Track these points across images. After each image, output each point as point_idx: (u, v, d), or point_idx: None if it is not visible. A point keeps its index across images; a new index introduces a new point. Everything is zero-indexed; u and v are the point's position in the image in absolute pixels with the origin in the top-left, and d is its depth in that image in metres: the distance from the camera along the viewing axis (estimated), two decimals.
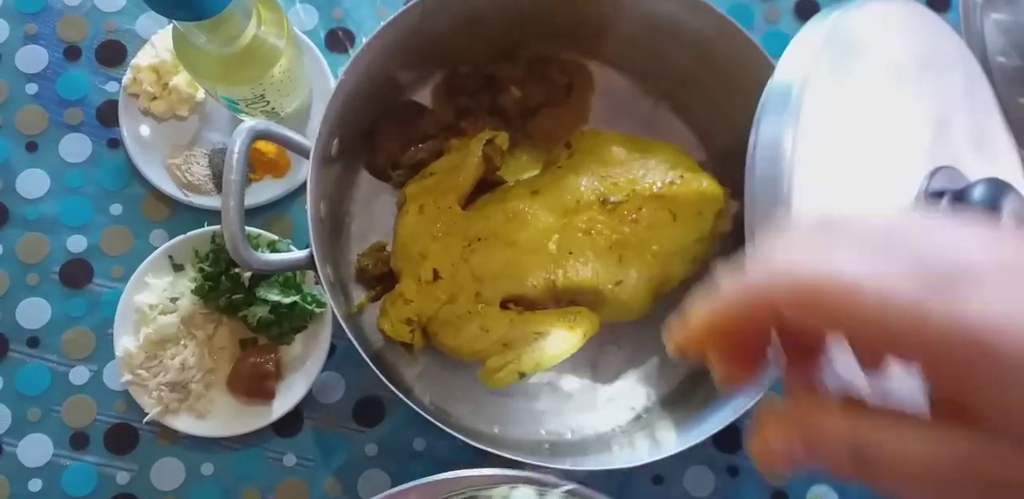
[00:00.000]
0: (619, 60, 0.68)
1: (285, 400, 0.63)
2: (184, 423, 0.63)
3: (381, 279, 0.64)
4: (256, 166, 0.66)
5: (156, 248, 0.65)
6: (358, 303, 0.64)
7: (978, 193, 0.48)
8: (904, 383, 0.25)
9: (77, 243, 0.67)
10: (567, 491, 0.47)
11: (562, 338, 0.56)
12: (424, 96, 0.67)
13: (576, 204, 0.57)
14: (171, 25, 0.55)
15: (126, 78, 0.68)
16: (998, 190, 0.47)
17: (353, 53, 0.70)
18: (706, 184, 0.59)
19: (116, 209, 0.68)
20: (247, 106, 0.62)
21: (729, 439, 0.67)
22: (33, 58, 0.70)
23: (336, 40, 0.71)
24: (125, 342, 0.64)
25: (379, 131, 0.65)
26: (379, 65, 0.59)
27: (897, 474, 0.24)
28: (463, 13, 0.60)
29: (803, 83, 0.46)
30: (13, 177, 0.68)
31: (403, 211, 0.61)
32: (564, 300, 0.58)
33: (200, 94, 0.68)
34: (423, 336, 0.59)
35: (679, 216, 0.58)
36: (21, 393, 0.65)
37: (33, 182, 0.68)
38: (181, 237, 0.65)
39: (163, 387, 0.63)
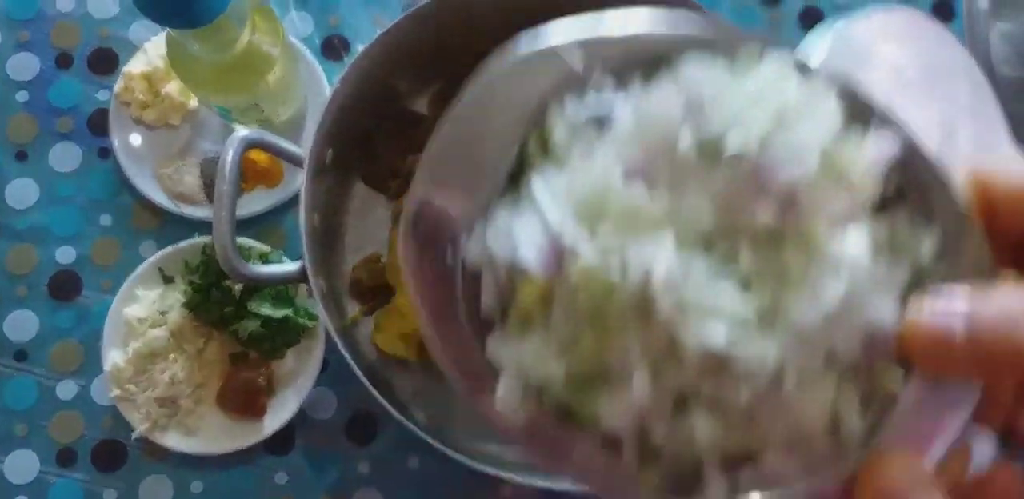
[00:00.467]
0: None
1: (276, 416, 0.62)
2: (173, 440, 0.62)
3: (375, 292, 0.63)
4: (248, 176, 0.65)
5: (146, 259, 0.64)
6: (352, 316, 0.63)
7: None
8: None
9: (66, 254, 0.66)
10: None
11: None
12: (421, 105, 0.66)
13: None
14: (164, 32, 0.55)
15: (118, 86, 0.67)
16: None
17: (349, 61, 0.69)
18: None
19: (106, 219, 0.67)
20: (240, 114, 0.61)
21: None
22: (25, 66, 0.69)
23: (332, 48, 0.70)
24: (114, 356, 0.63)
25: (375, 140, 0.64)
26: (375, 73, 0.57)
27: None
28: (462, 21, 0.59)
29: None
30: (2, 186, 0.67)
31: (399, 223, 0.60)
32: None
33: (193, 102, 0.67)
34: (418, 351, 0.58)
35: None
36: (8, 408, 0.64)
37: (22, 192, 0.67)
38: (171, 248, 0.64)
39: (152, 402, 0.61)
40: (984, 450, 0.25)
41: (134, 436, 0.62)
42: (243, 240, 0.63)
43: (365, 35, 0.71)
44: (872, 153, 0.27)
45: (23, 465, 0.63)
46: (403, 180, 0.63)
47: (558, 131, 0.26)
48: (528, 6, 0.60)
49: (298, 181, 0.65)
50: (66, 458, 0.63)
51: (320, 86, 0.67)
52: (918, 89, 0.51)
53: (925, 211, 0.27)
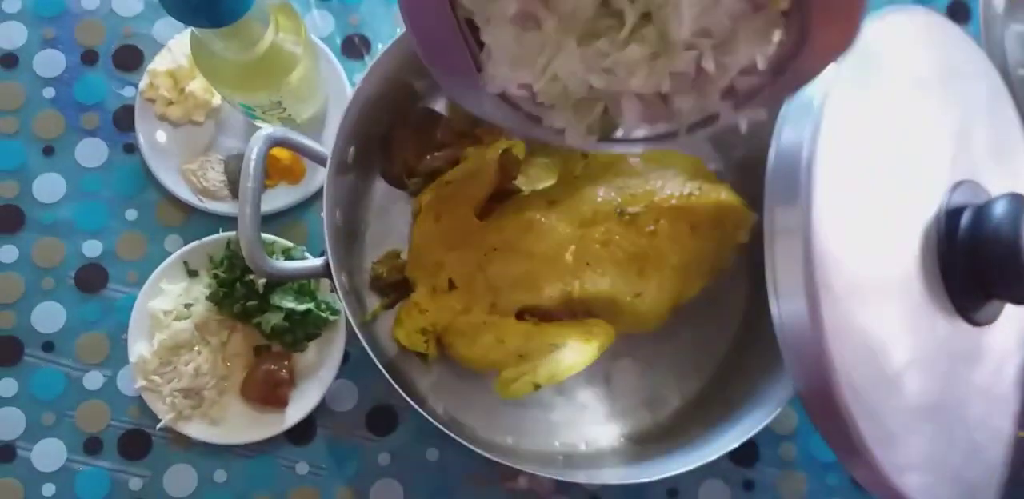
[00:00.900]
0: None
1: (298, 408, 0.63)
2: (197, 430, 0.63)
3: (395, 287, 0.64)
4: (271, 172, 0.66)
5: (171, 253, 0.65)
6: (372, 311, 0.64)
7: (1000, 209, 0.47)
8: None
9: (92, 248, 0.67)
10: None
11: (577, 350, 0.55)
12: (441, 104, 0.67)
13: (593, 215, 0.57)
14: (188, 31, 0.55)
15: (143, 83, 0.68)
16: (1021, 206, 0.47)
17: (369, 60, 0.70)
18: (724, 196, 0.59)
19: (131, 214, 0.68)
20: (264, 112, 0.62)
21: (745, 453, 0.66)
22: (51, 62, 0.70)
23: (352, 46, 0.71)
24: (139, 348, 0.64)
25: (395, 139, 0.64)
26: (396, 73, 0.58)
27: None
28: None
29: (824, 94, 0.46)
30: (30, 181, 0.68)
31: (419, 220, 0.61)
32: (580, 311, 0.58)
33: (216, 100, 0.68)
34: (438, 346, 0.59)
35: (698, 228, 0.58)
36: (36, 397, 0.65)
37: (49, 186, 0.68)
38: (196, 243, 0.65)
39: (177, 393, 0.63)
40: None
41: (159, 426, 0.63)
42: (266, 235, 0.65)
43: (385, 34, 0.71)
44: None
45: (51, 453, 0.64)
46: (421, 178, 0.64)
47: None
48: None
49: (319, 178, 0.66)
50: (93, 447, 0.65)
51: (341, 85, 0.68)
52: (934, 90, 0.52)
53: None
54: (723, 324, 0.66)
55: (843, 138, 0.46)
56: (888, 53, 0.49)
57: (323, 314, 0.64)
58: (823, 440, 0.46)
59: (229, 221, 0.67)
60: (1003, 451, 0.52)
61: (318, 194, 0.68)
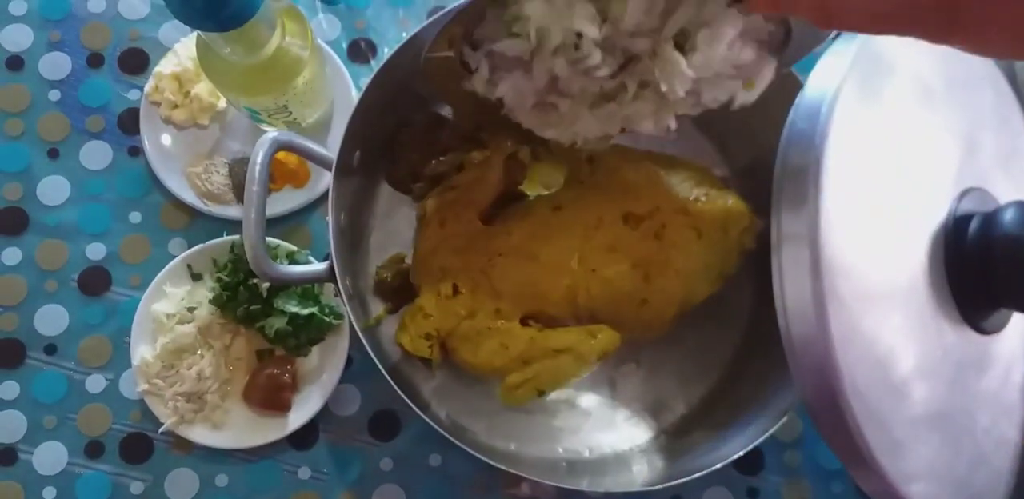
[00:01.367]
0: None
1: (301, 412, 0.63)
2: (199, 434, 0.63)
3: (399, 291, 0.63)
4: (276, 176, 0.66)
5: (175, 257, 0.65)
6: (376, 316, 0.63)
7: (1008, 216, 0.47)
8: None
9: (96, 251, 0.67)
10: None
11: (582, 356, 0.55)
12: (446, 109, 0.67)
13: (599, 221, 0.57)
14: (194, 34, 0.55)
15: (148, 86, 0.68)
16: None
17: (375, 64, 0.70)
18: (731, 202, 0.58)
19: (135, 217, 0.68)
20: (269, 116, 0.62)
21: (749, 461, 0.66)
22: (56, 65, 0.71)
23: (358, 51, 0.71)
24: (142, 351, 0.64)
25: (400, 143, 0.64)
26: (402, 77, 0.58)
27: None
28: None
29: (832, 101, 0.45)
30: (34, 183, 0.68)
31: (424, 225, 0.60)
32: (585, 317, 0.58)
33: (221, 103, 0.68)
34: (442, 351, 0.59)
35: (704, 233, 0.57)
36: (37, 400, 0.65)
37: (54, 189, 0.68)
38: (200, 246, 0.65)
39: (179, 397, 0.63)
40: None
41: (161, 430, 0.63)
42: (270, 239, 0.64)
43: (391, 38, 0.72)
44: None
45: (52, 457, 0.64)
46: (427, 183, 0.64)
47: None
48: None
49: (324, 181, 0.66)
50: (94, 450, 0.65)
51: (347, 89, 0.68)
52: (941, 97, 0.51)
53: None
54: (728, 330, 0.66)
55: (850, 144, 0.45)
56: (896, 59, 0.49)
57: (327, 318, 0.63)
58: (829, 449, 0.45)
59: (233, 225, 0.67)
60: (1010, 459, 0.52)
61: (323, 198, 0.68)
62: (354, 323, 0.53)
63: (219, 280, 0.64)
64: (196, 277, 0.66)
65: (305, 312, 0.62)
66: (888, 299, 0.46)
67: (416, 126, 0.65)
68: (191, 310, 0.64)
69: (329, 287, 0.65)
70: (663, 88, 0.45)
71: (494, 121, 0.67)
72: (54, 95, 0.70)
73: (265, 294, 0.63)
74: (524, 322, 0.57)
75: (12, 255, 0.67)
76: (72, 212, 0.68)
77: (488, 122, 0.66)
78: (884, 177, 0.47)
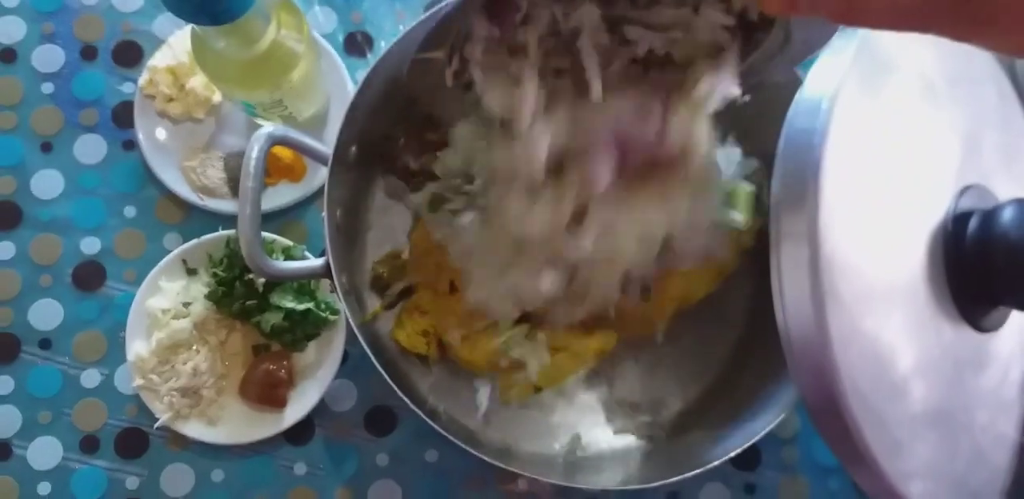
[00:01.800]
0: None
1: (297, 408, 0.63)
2: (195, 429, 0.63)
3: (396, 287, 0.63)
4: (272, 171, 0.66)
5: (170, 252, 0.65)
6: (372, 311, 0.63)
7: (1008, 214, 0.47)
8: None
9: (91, 245, 0.67)
10: None
11: (578, 354, 0.55)
12: None
13: None
14: (189, 27, 0.55)
15: (142, 79, 0.67)
16: None
17: (372, 58, 0.70)
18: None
19: (130, 211, 0.68)
20: (265, 110, 0.61)
21: (747, 457, 0.66)
22: (49, 57, 0.70)
23: (355, 44, 0.71)
24: (137, 346, 0.63)
25: (398, 137, 0.64)
26: (398, 71, 0.58)
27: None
28: None
29: (832, 97, 0.45)
30: (27, 178, 0.68)
31: (420, 221, 0.60)
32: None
33: (217, 97, 0.67)
34: (438, 348, 0.59)
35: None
36: (32, 395, 0.65)
37: (47, 183, 0.68)
38: (195, 241, 0.65)
39: (174, 392, 0.62)
40: None
41: (156, 425, 0.63)
42: (266, 234, 0.64)
43: (388, 32, 0.71)
44: None
45: (47, 452, 0.64)
46: (422, 178, 0.63)
47: None
48: None
49: (320, 176, 0.66)
50: (89, 445, 0.64)
51: (343, 83, 0.68)
52: (943, 94, 0.51)
53: None
54: (726, 328, 0.66)
55: (851, 142, 0.45)
56: (897, 56, 0.49)
57: (323, 314, 0.63)
58: (827, 446, 0.45)
59: (229, 219, 0.66)
60: (1008, 458, 0.52)
61: (319, 193, 0.67)
62: (350, 319, 0.53)
63: (215, 275, 0.63)
64: (191, 272, 0.65)
65: (301, 307, 0.62)
66: (887, 297, 0.46)
67: (413, 120, 0.64)
68: (186, 305, 0.64)
69: (325, 282, 0.65)
70: None
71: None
72: (47, 88, 0.69)
73: (261, 289, 0.63)
74: (521, 319, 0.57)
75: (6, 250, 0.67)
76: (66, 206, 0.68)
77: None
78: (884, 175, 0.47)
